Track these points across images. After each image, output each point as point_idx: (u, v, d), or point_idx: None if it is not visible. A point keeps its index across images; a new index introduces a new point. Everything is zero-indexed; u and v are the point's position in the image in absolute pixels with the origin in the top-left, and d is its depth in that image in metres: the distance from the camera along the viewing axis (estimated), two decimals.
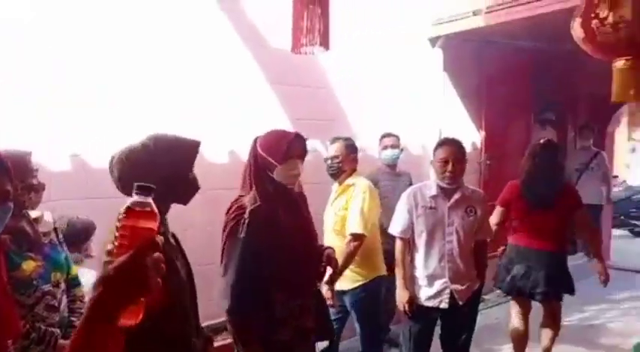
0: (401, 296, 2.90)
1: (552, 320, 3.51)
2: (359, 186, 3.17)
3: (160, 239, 0.86)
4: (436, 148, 2.93)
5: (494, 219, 3.37)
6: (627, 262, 6.28)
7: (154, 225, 0.86)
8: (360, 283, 3.14)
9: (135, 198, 0.87)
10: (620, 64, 2.13)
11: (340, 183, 3.28)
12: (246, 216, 1.97)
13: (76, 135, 3.08)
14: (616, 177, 8.14)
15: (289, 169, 2.08)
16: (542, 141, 3.58)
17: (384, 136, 4.07)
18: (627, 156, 10.73)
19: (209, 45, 3.71)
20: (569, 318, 4.77)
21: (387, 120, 4.50)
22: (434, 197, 2.87)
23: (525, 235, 3.44)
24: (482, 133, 5.45)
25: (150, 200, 0.87)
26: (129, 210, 0.86)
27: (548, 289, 3.33)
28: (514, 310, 3.57)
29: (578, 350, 4.09)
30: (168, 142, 1.63)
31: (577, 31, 2.24)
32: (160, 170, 1.53)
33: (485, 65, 5.38)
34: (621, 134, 9.70)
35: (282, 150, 2.04)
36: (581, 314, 4.80)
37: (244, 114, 3.83)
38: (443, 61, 5.10)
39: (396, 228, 2.96)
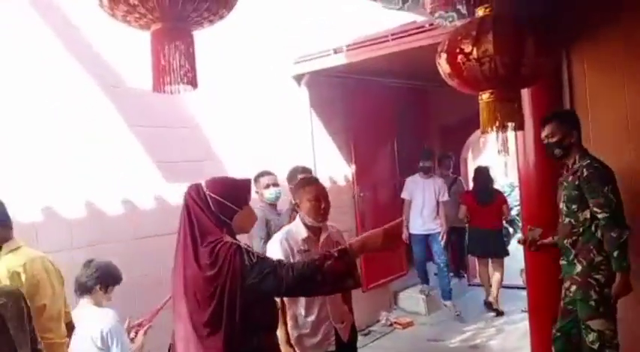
0: None
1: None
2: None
3: None
4: (302, 188, 2.78)
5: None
6: None
7: None
8: None
9: None
10: (486, 96, 2.21)
11: None
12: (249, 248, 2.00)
13: None
14: None
15: (249, 214, 2.14)
16: (478, 166, 6.25)
17: (261, 175, 3.88)
18: None
19: (56, 87, 3.31)
20: (452, 340, 4.94)
21: (260, 159, 4.35)
22: (305, 239, 2.75)
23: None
24: (354, 167, 5.54)
25: None
26: None
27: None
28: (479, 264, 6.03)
29: None
30: None
31: (443, 66, 2.30)
32: None
33: (351, 101, 5.52)
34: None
35: (242, 195, 2.11)
36: (461, 335, 4.97)
37: (101, 161, 3.48)
38: (309, 98, 5.14)
39: None
